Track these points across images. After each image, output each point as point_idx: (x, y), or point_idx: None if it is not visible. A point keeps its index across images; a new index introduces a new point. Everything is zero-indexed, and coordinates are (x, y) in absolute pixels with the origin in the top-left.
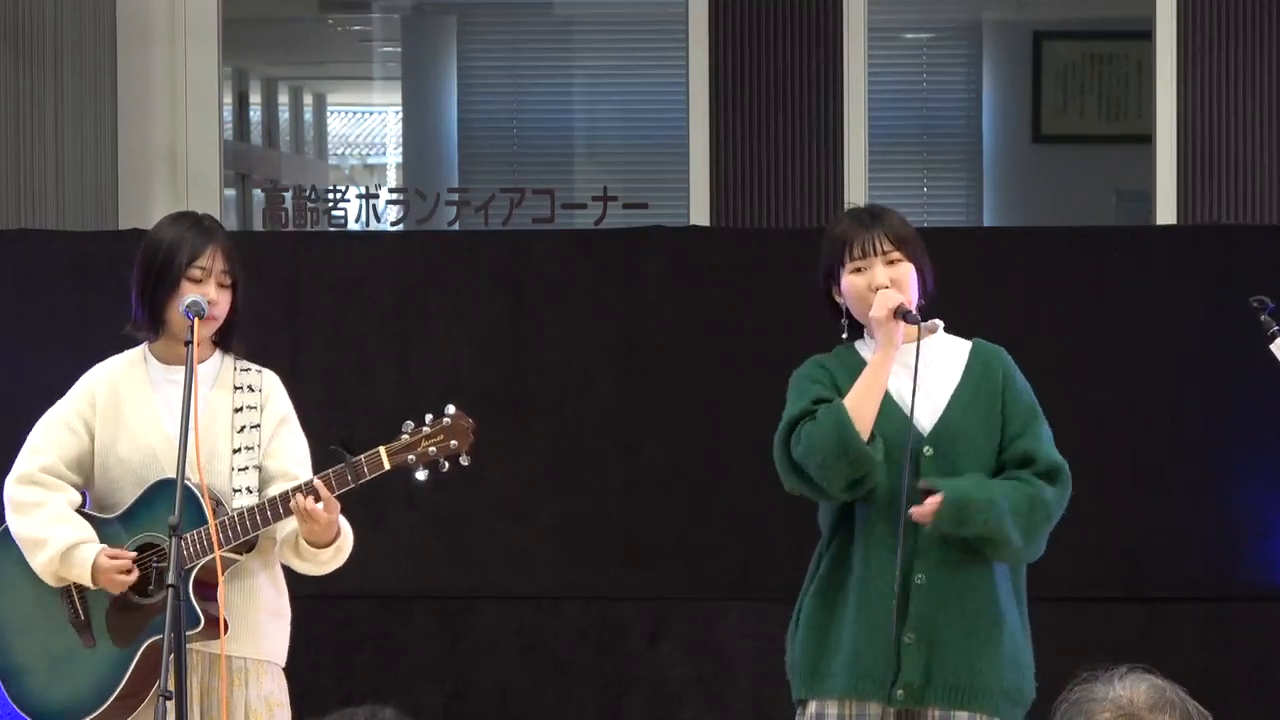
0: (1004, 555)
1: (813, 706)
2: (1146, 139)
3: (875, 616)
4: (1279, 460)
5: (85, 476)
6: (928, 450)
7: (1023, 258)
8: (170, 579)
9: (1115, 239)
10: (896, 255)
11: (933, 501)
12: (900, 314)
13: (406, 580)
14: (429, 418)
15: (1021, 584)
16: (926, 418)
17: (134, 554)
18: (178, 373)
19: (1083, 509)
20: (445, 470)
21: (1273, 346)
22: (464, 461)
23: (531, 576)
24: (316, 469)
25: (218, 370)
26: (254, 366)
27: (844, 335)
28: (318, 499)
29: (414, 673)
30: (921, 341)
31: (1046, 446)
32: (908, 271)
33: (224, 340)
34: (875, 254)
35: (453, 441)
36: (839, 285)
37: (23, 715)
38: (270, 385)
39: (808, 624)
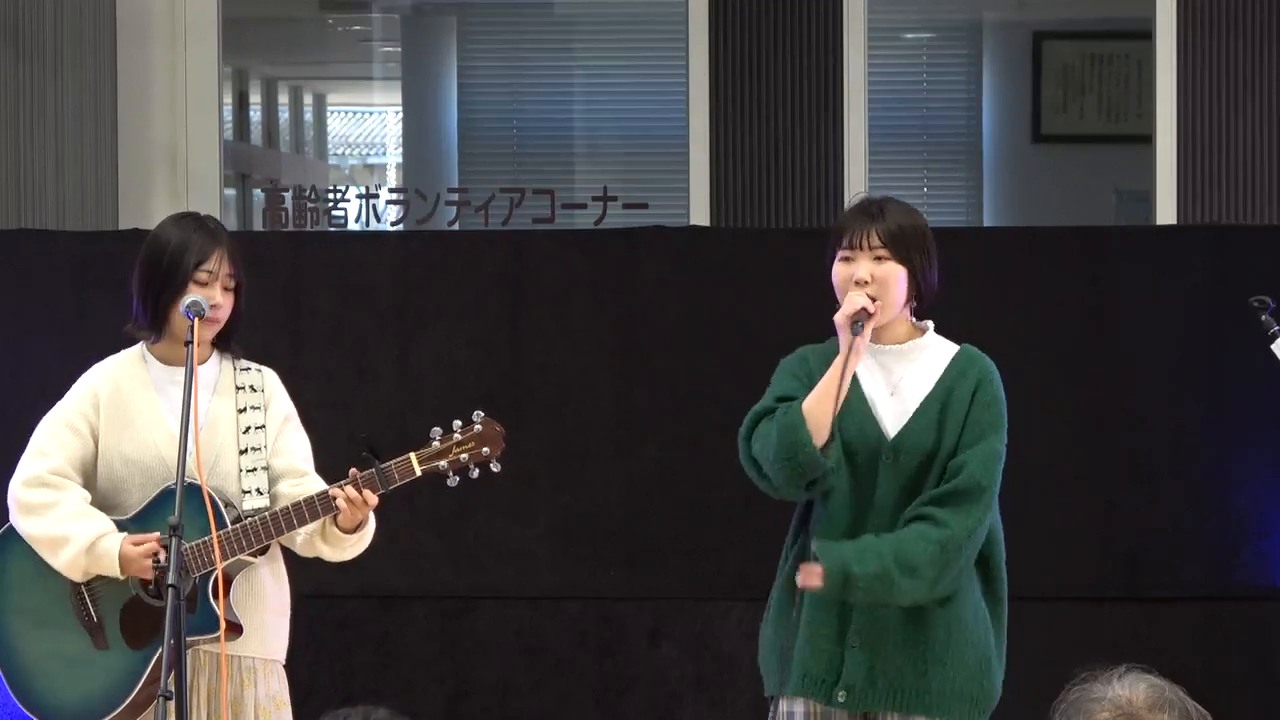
0: (902, 604)
1: (782, 705)
2: (1146, 139)
3: (821, 617)
4: (1279, 460)
5: (87, 479)
6: (887, 457)
7: (1023, 258)
8: (170, 579)
9: (1115, 239)
10: (885, 253)
11: (816, 571)
12: (853, 321)
13: (406, 580)
14: (458, 424)
15: (996, 583)
16: (892, 424)
17: (156, 535)
18: (180, 374)
19: (1083, 509)
20: (476, 476)
21: (1273, 346)
22: (495, 468)
23: (531, 576)
24: (327, 469)
25: (218, 372)
26: (253, 366)
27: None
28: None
29: (414, 673)
30: (907, 344)
31: (979, 467)
32: (893, 272)
33: (223, 343)
34: (864, 248)
35: (484, 448)
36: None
37: (31, 717)
38: (271, 384)
39: (773, 621)
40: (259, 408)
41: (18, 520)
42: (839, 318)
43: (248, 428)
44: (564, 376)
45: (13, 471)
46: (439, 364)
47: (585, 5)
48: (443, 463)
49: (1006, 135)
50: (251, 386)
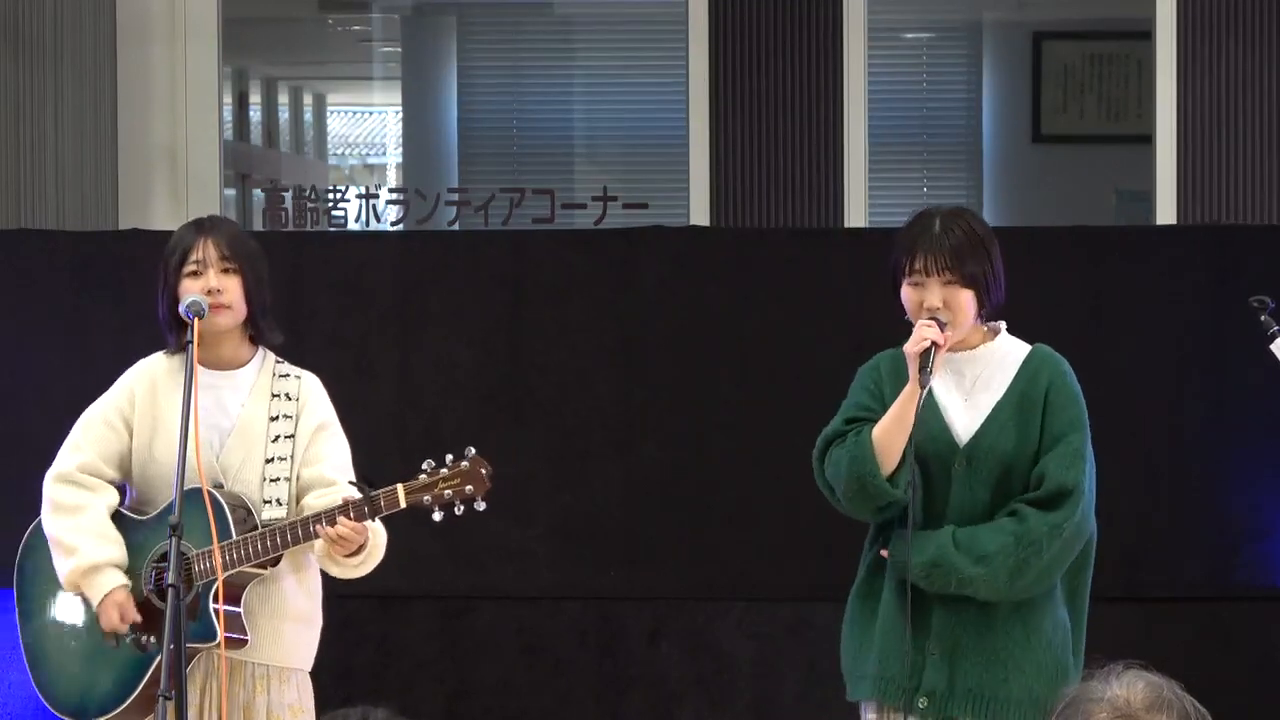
0: (976, 596)
1: (861, 708)
2: (1146, 139)
3: (901, 623)
4: (1278, 460)
5: (125, 473)
6: (960, 465)
7: (1023, 258)
8: (170, 579)
9: (1115, 239)
10: (954, 278)
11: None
12: (924, 356)
13: (406, 580)
14: (449, 458)
15: (1079, 593)
16: (964, 431)
17: (135, 619)
18: (217, 376)
19: None
20: (460, 514)
21: (1273, 346)
22: (479, 506)
23: (531, 576)
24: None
25: (257, 375)
26: (293, 371)
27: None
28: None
29: (414, 673)
30: (980, 349)
31: (1060, 468)
32: (963, 296)
33: (257, 332)
34: (933, 273)
35: (468, 487)
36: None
37: (42, 704)
38: (307, 392)
39: (850, 624)
40: (291, 416)
41: (45, 515)
42: (909, 350)
43: (276, 436)
44: (564, 376)
45: (15, 469)
46: (439, 364)
47: (585, 5)
48: (427, 497)
49: (1006, 135)
50: (287, 394)
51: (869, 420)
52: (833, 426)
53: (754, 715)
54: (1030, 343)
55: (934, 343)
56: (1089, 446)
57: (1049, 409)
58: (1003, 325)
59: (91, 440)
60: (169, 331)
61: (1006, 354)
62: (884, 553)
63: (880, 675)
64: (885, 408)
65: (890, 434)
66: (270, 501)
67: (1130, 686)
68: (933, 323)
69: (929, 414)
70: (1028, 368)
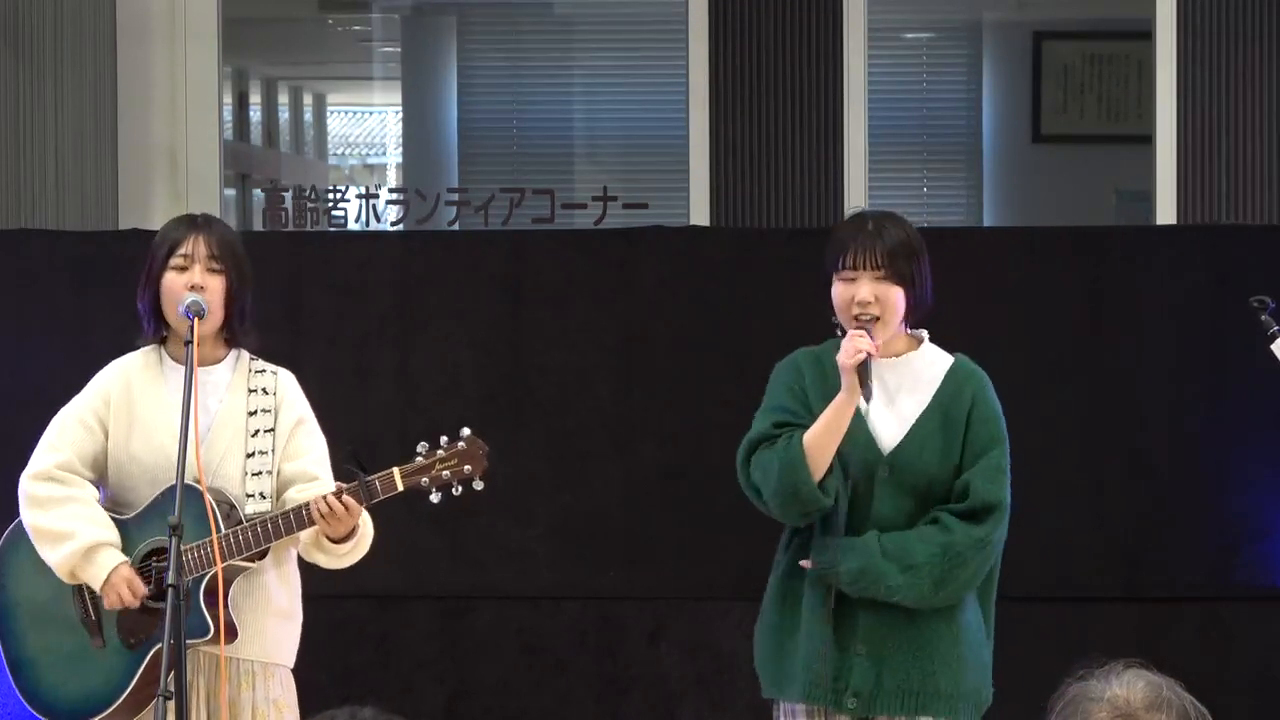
0: (901, 602)
1: (783, 707)
2: (1146, 139)
3: (824, 624)
4: (1278, 460)
5: (100, 474)
6: (883, 472)
7: (1022, 258)
8: (170, 579)
9: (1115, 239)
10: (886, 274)
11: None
12: (861, 368)
13: (406, 580)
14: (444, 439)
15: (987, 587)
16: (889, 439)
17: (146, 593)
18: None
19: (1082, 509)
20: (458, 494)
21: (1273, 346)
22: (477, 486)
23: (531, 576)
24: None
25: (232, 372)
26: (269, 367)
27: (838, 332)
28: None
29: (414, 673)
30: (904, 356)
31: (984, 482)
32: (894, 292)
33: (231, 336)
34: (866, 268)
35: (466, 466)
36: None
37: (30, 710)
38: (284, 387)
39: (769, 624)
40: (269, 410)
41: (25, 513)
42: (844, 362)
43: (256, 431)
44: (564, 376)
45: (15, 468)
46: (439, 364)
47: (585, 5)
48: (424, 479)
49: (1006, 135)
50: (264, 389)
51: (795, 424)
52: (758, 429)
53: (754, 715)
54: (1030, 343)
55: (868, 353)
56: (1008, 460)
57: (971, 425)
58: (925, 334)
59: (68, 441)
60: (147, 321)
61: (930, 363)
62: (804, 564)
63: (807, 678)
64: (808, 409)
65: (822, 442)
66: (253, 495)
67: (1130, 686)
68: (864, 333)
69: (853, 421)
70: (952, 382)
